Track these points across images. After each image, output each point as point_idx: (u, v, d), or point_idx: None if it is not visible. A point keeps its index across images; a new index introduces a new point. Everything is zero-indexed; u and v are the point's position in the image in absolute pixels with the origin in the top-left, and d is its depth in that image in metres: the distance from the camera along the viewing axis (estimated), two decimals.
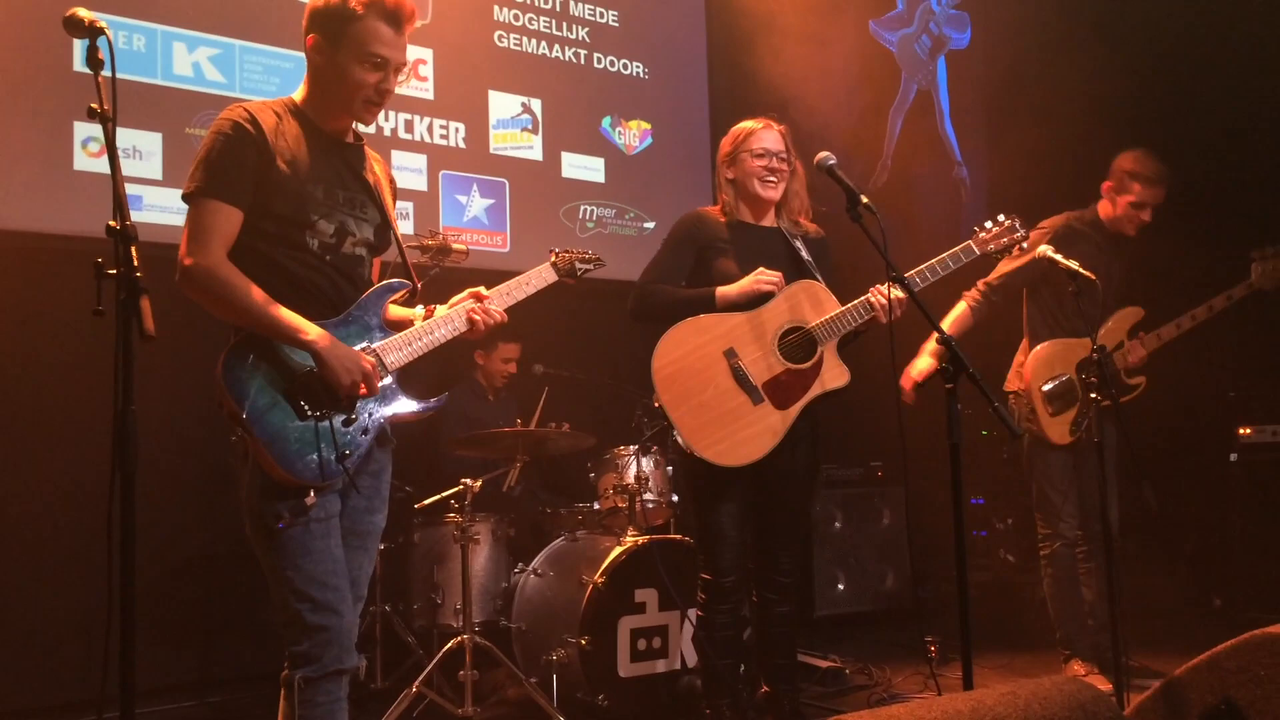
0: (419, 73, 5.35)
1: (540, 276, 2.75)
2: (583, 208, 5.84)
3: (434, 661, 3.78)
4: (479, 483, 4.01)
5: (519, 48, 5.70)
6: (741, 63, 6.24)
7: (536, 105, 5.72)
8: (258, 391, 2.21)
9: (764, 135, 3.37)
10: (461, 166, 5.45)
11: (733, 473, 3.18)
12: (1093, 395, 3.36)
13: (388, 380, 2.40)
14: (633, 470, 4.26)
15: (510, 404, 5.15)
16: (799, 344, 3.18)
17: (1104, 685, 3.71)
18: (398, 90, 5.18)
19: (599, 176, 5.92)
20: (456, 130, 5.44)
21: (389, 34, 2.36)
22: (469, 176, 5.47)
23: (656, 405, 3.24)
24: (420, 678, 3.71)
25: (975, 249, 3.24)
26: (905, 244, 5.38)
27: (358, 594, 2.42)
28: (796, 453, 3.26)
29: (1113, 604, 3.58)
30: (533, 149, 5.70)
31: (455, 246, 4.07)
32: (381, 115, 5.18)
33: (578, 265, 2.91)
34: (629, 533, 3.99)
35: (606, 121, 6.00)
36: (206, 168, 2.27)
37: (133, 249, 1.78)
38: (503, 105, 5.63)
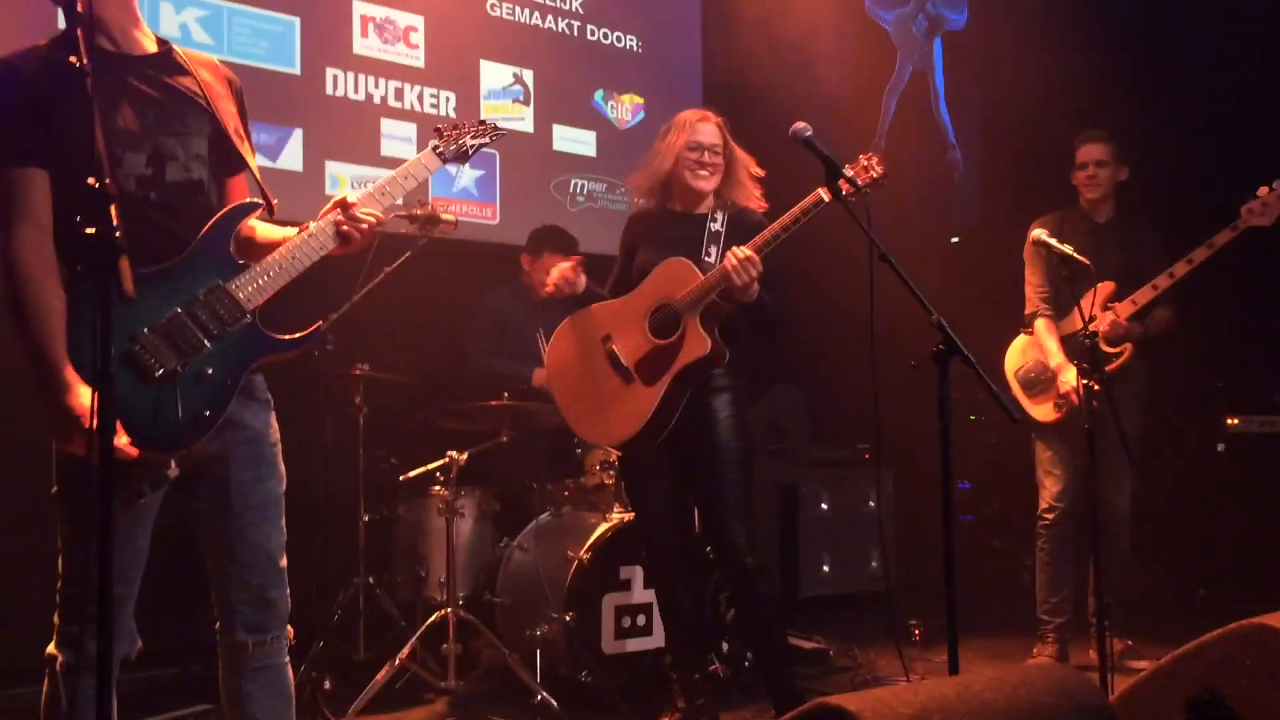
0: (409, 40, 5.28)
1: (421, 166, 2.44)
2: (574, 181, 5.78)
3: (417, 634, 3.76)
4: (465, 456, 3.99)
5: (511, 17, 5.63)
6: (735, 38, 6.18)
7: (528, 76, 5.66)
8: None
9: (700, 129, 3.39)
10: None
11: (647, 454, 3.32)
12: (1084, 382, 3.35)
13: (246, 320, 2.15)
14: None
15: (551, 314, 4.95)
16: (666, 320, 3.23)
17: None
18: (387, 57, 5.15)
19: (590, 150, 5.86)
20: (447, 99, 5.37)
21: None
22: None
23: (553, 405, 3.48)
24: (404, 650, 3.69)
25: (825, 197, 2.94)
26: (895, 226, 5.36)
27: (277, 567, 2.27)
28: (708, 431, 3.28)
29: (1099, 589, 3.61)
30: (524, 120, 5.64)
31: (444, 217, 4.01)
32: (371, 82, 5.13)
33: (469, 144, 2.53)
34: (615, 509, 3.97)
35: (599, 95, 5.93)
36: None
37: (111, 208, 1.73)
38: (494, 75, 5.56)
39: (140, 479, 2.04)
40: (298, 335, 2.22)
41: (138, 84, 2.16)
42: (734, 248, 3.07)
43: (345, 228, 2.25)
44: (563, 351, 3.45)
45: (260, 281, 2.17)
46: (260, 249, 2.24)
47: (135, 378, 2.01)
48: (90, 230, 1.69)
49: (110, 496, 1.67)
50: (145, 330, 2.03)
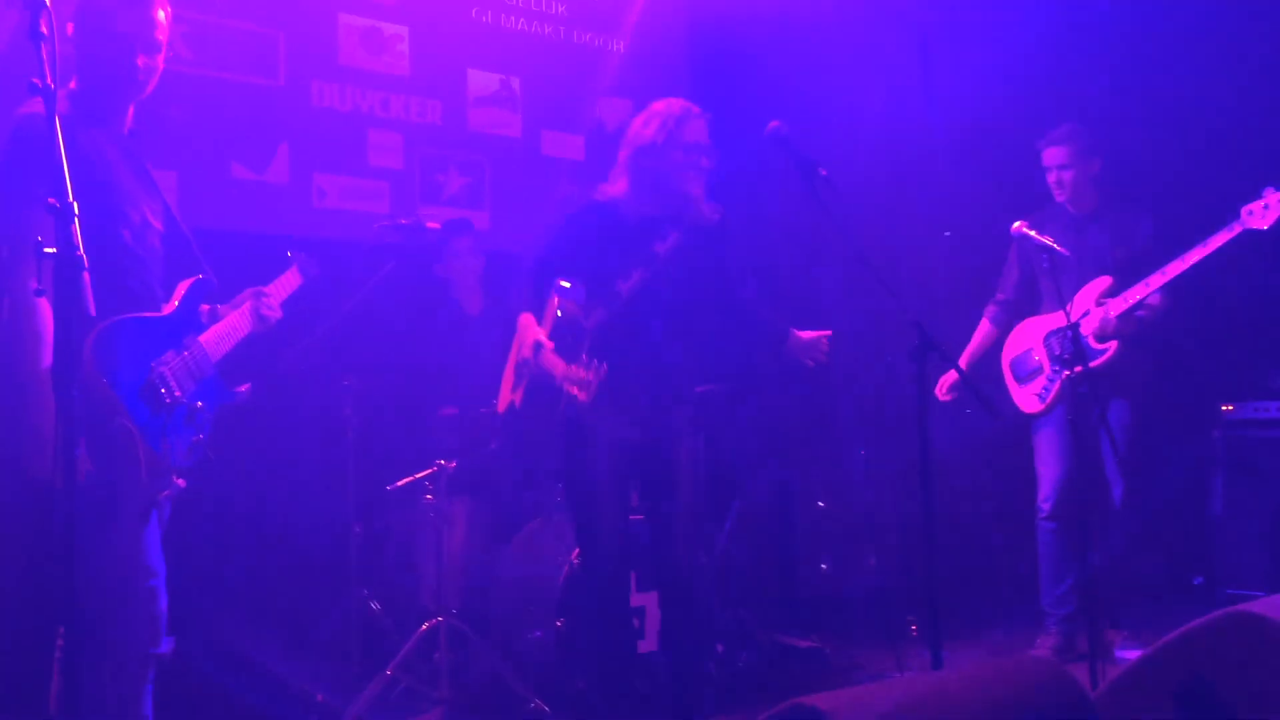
0: (395, 50, 5.28)
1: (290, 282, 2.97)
2: (563, 185, 5.78)
3: (409, 644, 3.75)
4: (455, 464, 3.98)
5: (497, 24, 5.62)
6: (725, 38, 6.17)
7: (516, 83, 5.65)
8: (129, 377, 2.32)
9: (700, 127, 3.15)
10: (439, 145, 5.38)
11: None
12: (1070, 370, 3.35)
13: (213, 367, 2.61)
14: None
15: (496, 315, 4.63)
16: None
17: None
18: (373, 67, 5.14)
19: (579, 154, 5.86)
20: (434, 108, 5.37)
21: None
22: (447, 155, 5.40)
23: None
24: (395, 660, 3.68)
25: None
26: (886, 222, 5.35)
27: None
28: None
29: (1090, 580, 3.61)
30: (512, 127, 5.64)
31: (428, 225, 4.05)
32: (357, 93, 5.13)
33: None
34: None
35: (587, 99, 5.93)
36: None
37: (73, 226, 1.73)
38: (481, 83, 5.56)
39: (155, 490, 2.41)
40: (240, 388, 2.68)
41: (128, 157, 2.53)
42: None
43: (266, 312, 2.73)
44: None
45: (221, 342, 2.63)
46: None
47: (150, 402, 2.36)
48: (51, 250, 1.70)
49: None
50: (153, 364, 2.39)
